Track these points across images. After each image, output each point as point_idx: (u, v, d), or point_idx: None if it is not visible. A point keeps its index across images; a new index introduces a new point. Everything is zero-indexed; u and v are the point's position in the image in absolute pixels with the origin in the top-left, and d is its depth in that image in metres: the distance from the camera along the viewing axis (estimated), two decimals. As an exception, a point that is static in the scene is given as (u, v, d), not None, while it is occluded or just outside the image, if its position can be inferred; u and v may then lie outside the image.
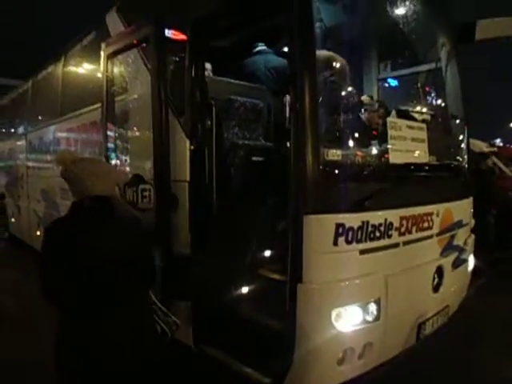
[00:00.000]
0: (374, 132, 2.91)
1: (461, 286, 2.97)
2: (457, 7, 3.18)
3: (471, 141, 3.48)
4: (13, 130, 7.16)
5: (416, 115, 2.94)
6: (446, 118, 3.23)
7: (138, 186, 2.66)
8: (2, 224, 7.59)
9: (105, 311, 1.64)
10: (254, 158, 2.97)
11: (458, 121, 3.23)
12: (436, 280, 2.55)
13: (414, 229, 2.37)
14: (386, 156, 2.39)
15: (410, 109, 3.11)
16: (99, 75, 3.34)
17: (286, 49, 2.84)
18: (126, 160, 3.03)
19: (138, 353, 1.71)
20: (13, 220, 7.10)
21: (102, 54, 3.06)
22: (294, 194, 2.01)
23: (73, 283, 1.61)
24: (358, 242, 2.06)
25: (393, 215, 2.23)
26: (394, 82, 4.10)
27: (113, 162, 3.07)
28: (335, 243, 1.98)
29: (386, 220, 2.18)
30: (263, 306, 2.48)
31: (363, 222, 2.07)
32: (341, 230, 1.99)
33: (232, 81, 3.42)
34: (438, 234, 2.58)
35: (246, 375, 2.26)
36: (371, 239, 2.12)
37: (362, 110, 3.13)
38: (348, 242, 2.02)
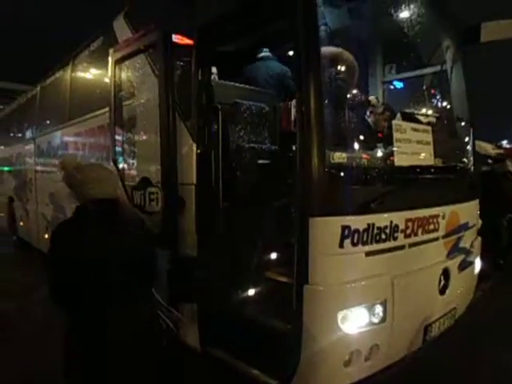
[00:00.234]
0: (380, 135, 2.92)
1: (467, 289, 2.96)
2: (461, 9, 3.19)
3: (477, 142, 3.48)
4: (21, 135, 7.25)
5: (421, 118, 2.95)
6: (452, 120, 3.23)
7: (145, 189, 2.70)
8: None
9: (110, 310, 1.68)
10: (260, 161, 2.99)
11: (463, 123, 3.23)
12: (442, 282, 2.55)
13: (419, 231, 2.37)
14: (392, 158, 2.40)
15: (415, 111, 3.12)
16: (107, 80, 3.40)
17: (290, 53, 2.86)
18: (133, 163, 3.07)
19: (144, 349, 1.75)
20: (21, 223, 7.17)
21: (110, 59, 3.11)
22: (299, 197, 2.02)
23: (79, 284, 1.65)
24: (364, 244, 2.07)
25: (398, 217, 2.23)
26: (399, 85, 4.11)
27: (120, 165, 3.12)
28: (341, 245, 1.99)
29: (391, 222, 2.19)
30: (269, 308, 2.50)
31: (369, 225, 2.08)
32: (346, 232, 2.00)
33: (238, 85, 3.46)
34: (444, 237, 2.58)
35: (253, 377, 2.28)
36: (377, 241, 2.13)
37: (368, 112, 3.14)
38: (354, 244, 2.03)
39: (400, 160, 2.37)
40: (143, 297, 1.86)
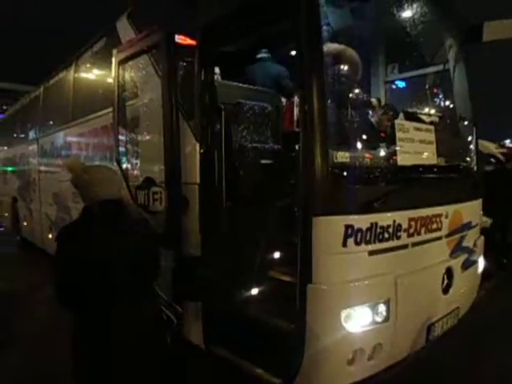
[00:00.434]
0: (383, 134, 2.93)
1: (471, 288, 2.96)
2: (464, 8, 3.19)
3: (480, 142, 3.47)
4: (25, 135, 7.28)
5: (424, 117, 2.95)
6: (455, 120, 3.23)
7: (149, 188, 2.72)
8: None
9: (115, 309, 1.71)
10: (263, 161, 3.00)
11: (466, 122, 3.23)
12: (445, 281, 2.55)
13: (422, 230, 2.37)
14: (394, 158, 2.40)
15: (418, 111, 3.12)
16: (110, 80, 3.41)
17: (292, 53, 2.87)
18: (136, 163, 3.08)
19: (149, 347, 1.79)
20: (25, 223, 7.21)
21: (114, 60, 3.12)
22: (303, 196, 2.03)
23: (85, 285, 1.68)
24: (367, 243, 2.08)
25: (401, 217, 2.24)
26: (401, 84, 4.11)
27: (124, 165, 3.13)
28: (344, 244, 2.00)
29: (394, 221, 2.20)
30: (273, 307, 2.51)
31: (372, 224, 2.09)
32: (350, 231, 2.01)
33: (240, 85, 3.47)
34: (447, 236, 2.58)
35: (256, 376, 2.29)
36: (380, 240, 2.14)
37: (371, 112, 3.14)
38: (357, 243, 2.04)
39: (403, 159, 2.37)
40: (147, 295, 1.90)
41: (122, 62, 3.09)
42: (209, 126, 2.65)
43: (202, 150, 2.59)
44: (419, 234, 2.35)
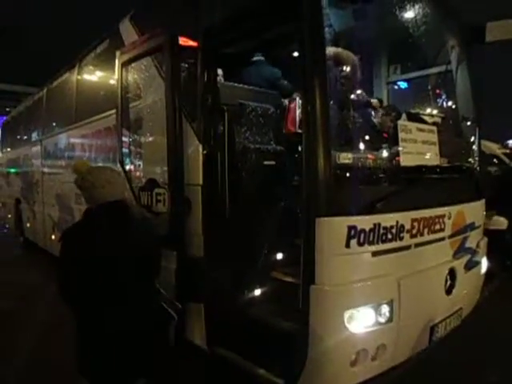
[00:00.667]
0: (385, 135, 2.93)
1: (474, 289, 2.95)
2: (467, 9, 3.19)
3: (483, 142, 3.47)
4: (28, 137, 7.32)
5: (426, 118, 2.95)
6: (457, 120, 3.23)
7: (152, 190, 2.73)
8: None
9: (120, 304, 1.76)
10: (266, 162, 3.01)
11: (468, 122, 3.23)
12: (449, 282, 2.55)
13: (425, 231, 2.37)
14: (397, 159, 2.41)
15: (421, 111, 3.12)
16: (113, 82, 3.43)
17: (294, 54, 2.88)
18: (140, 165, 3.09)
19: (151, 337, 1.86)
20: (28, 225, 7.24)
21: (117, 61, 3.14)
22: (306, 197, 2.04)
23: (89, 283, 1.72)
24: (370, 244, 2.08)
25: (404, 217, 2.24)
26: (403, 85, 4.11)
27: (127, 166, 3.14)
28: (347, 245, 2.01)
29: (397, 222, 2.20)
30: (276, 308, 2.52)
31: (375, 225, 2.09)
32: (353, 232, 2.01)
33: (243, 86, 3.48)
34: (450, 236, 2.58)
35: (259, 376, 2.29)
36: (383, 241, 2.14)
37: (373, 113, 3.15)
38: (360, 244, 2.04)
39: (405, 160, 2.38)
40: (150, 292, 1.96)
41: (125, 64, 3.11)
42: (212, 127, 2.66)
43: (204, 152, 2.60)
44: (422, 234, 2.36)
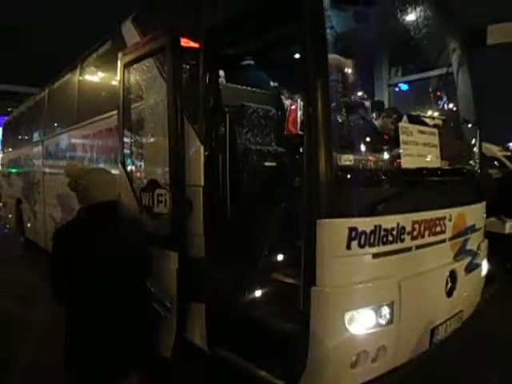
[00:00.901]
0: (386, 137, 2.94)
1: (474, 291, 2.95)
2: (468, 12, 3.20)
3: (484, 145, 3.47)
4: (30, 137, 7.33)
5: (427, 120, 2.96)
6: (458, 123, 3.23)
7: (153, 190, 2.73)
8: None
9: (110, 302, 1.81)
10: (267, 163, 3.02)
11: (470, 125, 3.23)
12: (449, 284, 2.55)
13: (426, 233, 2.38)
14: (398, 161, 2.41)
15: (422, 114, 3.13)
16: (115, 83, 3.44)
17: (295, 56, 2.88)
18: (141, 166, 3.10)
19: (140, 334, 1.91)
20: (29, 225, 7.25)
21: (119, 63, 3.15)
22: (307, 199, 2.04)
23: (81, 280, 1.78)
24: (371, 245, 2.09)
25: (405, 219, 2.24)
26: (405, 87, 4.12)
27: (129, 167, 3.15)
28: (348, 247, 2.01)
29: (398, 224, 2.20)
30: (277, 310, 2.52)
31: (376, 226, 2.10)
32: (354, 233, 2.01)
33: (244, 87, 3.49)
34: (451, 239, 2.59)
35: (260, 378, 2.29)
36: (384, 243, 2.14)
37: (374, 115, 3.15)
38: (361, 246, 2.05)
39: (406, 162, 2.38)
40: (140, 291, 2.01)
41: (127, 65, 3.11)
42: (213, 128, 2.67)
43: (206, 153, 2.61)
44: (423, 236, 2.36)
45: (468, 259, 2.75)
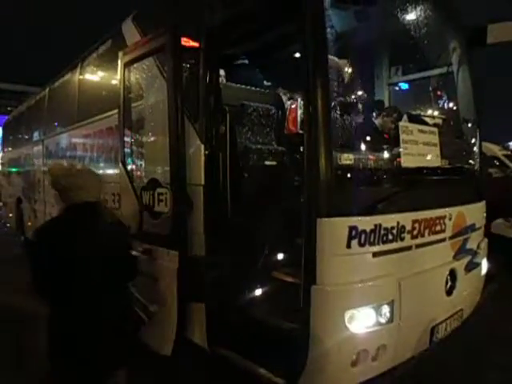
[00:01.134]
0: (386, 136, 2.94)
1: (474, 290, 2.96)
2: (468, 11, 3.20)
3: (484, 144, 3.48)
4: (30, 136, 7.33)
5: (428, 119, 2.96)
6: (458, 122, 3.24)
7: (154, 189, 2.74)
8: None
9: (90, 301, 1.83)
10: (267, 162, 3.02)
11: (469, 124, 3.24)
12: (449, 283, 2.56)
13: (426, 232, 2.38)
14: (398, 160, 2.42)
15: (422, 113, 3.13)
16: (115, 82, 3.44)
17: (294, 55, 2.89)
18: (142, 165, 3.10)
19: (120, 337, 1.92)
20: (29, 224, 7.25)
21: (120, 62, 3.14)
22: (307, 198, 2.05)
23: (60, 279, 1.79)
24: (371, 244, 2.09)
25: (405, 218, 2.25)
26: (405, 86, 4.12)
27: (129, 166, 3.15)
28: (348, 246, 2.01)
29: (398, 223, 2.21)
30: (277, 308, 2.52)
31: (376, 225, 2.10)
32: (354, 232, 2.02)
33: (244, 87, 3.49)
34: (451, 238, 2.59)
35: (260, 376, 2.29)
36: (384, 242, 2.15)
37: (374, 114, 3.16)
38: (361, 245, 2.05)
39: (406, 161, 2.38)
40: (118, 293, 1.98)
41: (127, 64, 3.11)
42: (213, 127, 2.67)
43: (206, 152, 2.61)
44: (423, 235, 2.36)
45: (468, 258, 2.75)
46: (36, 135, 6.88)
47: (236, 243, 2.67)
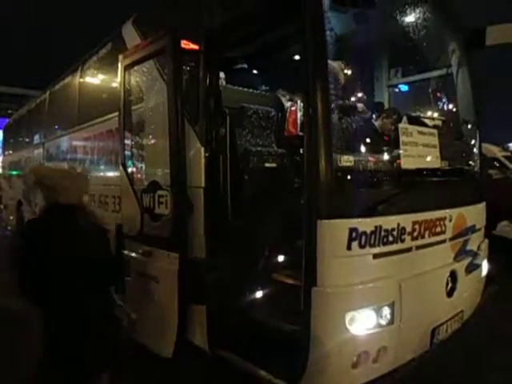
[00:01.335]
0: (386, 138, 2.95)
1: (475, 292, 2.96)
2: (467, 13, 3.21)
3: (483, 145, 3.48)
4: (30, 139, 7.34)
5: (427, 121, 2.97)
6: (458, 123, 3.24)
7: (155, 192, 2.74)
8: None
9: (69, 302, 1.84)
10: (267, 164, 3.03)
11: (469, 125, 3.24)
12: (450, 285, 2.56)
13: (426, 233, 2.38)
14: (398, 162, 2.42)
15: (422, 114, 3.14)
16: (115, 85, 3.45)
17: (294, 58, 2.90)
18: (142, 167, 3.10)
19: (101, 341, 1.92)
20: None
21: (120, 65, 3.15)
22: (307, 199, 2.05)
23: (39, 279, 1.81)
24: (371, 246, 2.09)
25: (405, 220, 2.25)
26: (404, 88, 4.13)
27: (129, 169, 3.16)
28: (349, 247, 2.02)
29: (398, 225, 2.21)
30: (277, 310, 2.52)
31: (376, 227, 2.10)
32: (354, 234, 2.02)
33: (244, 89, 3.50)
34: (451, 239, 2.59)
35: (261, 378, 2.29)
36: (384, 243, 2.15)
37: (374, 116, 3.16)
38: (361, 247, 2.05)
39: (406, 163, 2.39)
40: (96, 296, 1.96)
41: (127, 67, 3.12)
42: (213, 130, 2.68)
43: (207, 154, 2.62)
44: (423, 237, 2.37)
45: (468, 260, 2.75)
46: (37, 138, 6.89)
47: (236, 245, 2.68)
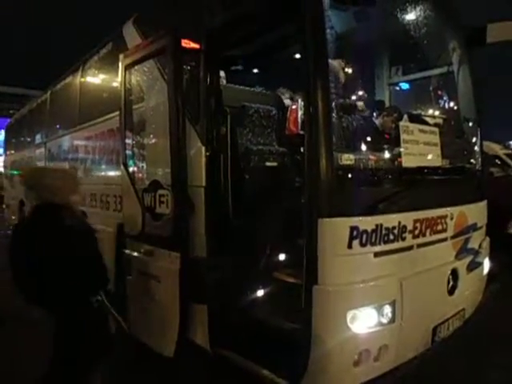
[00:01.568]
0: (387, 136, 2.94)
1: (476, 290, 2.95)
2: (468, 11, 3.20)
3: (485, 143, 3.47)
4: (32, 139, 7.36)
5: (428, 119, 2.96)
6: (459, 121, 3.24)
7: (156, 191, 2.75)
8: None
9: (60, 307, 1.87)
10: (268, 163, 3.03)
11: (470, 123, 3.24)
12: (451, 283, 2.55)
13: (427, 231, 2.38)
14: (399, 160, 2.42)
15: (422, 113, 3.13)
16: (116, 85, 3.45)
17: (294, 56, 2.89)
18: (143, 167, 3.11)
19: (91, 343, 1.93)
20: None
21: (121, 64, 3.16)
22: (308, 198, 2.05)
23: (31, 280, 1.85)
24: (372, 244, 2.09)
25: (406, 218, 2.25)
26: (405, 86, 4.13)
27: (131, 168, 3.16)
28: (350, 246, 2.02)
29: (399, 223, 2.21)
30: (278, 309, 2.53)
31: (377, 225, 2.10)
32: (355, 232, 2.02)
33: (245, 88, 3.50)
34: (453, 237, 2.59)
35: (263, 377, 2.30)
36: (385, 242, 2.15)
37: (375, 114, 3.16)
38: (362, 245, 2.05)
39: (407, 161, 2.38)
40: (82, 299, 1.96)
41: (128, 67, 3.13)
42: (214, 129, 2.68)
43: (207, 153, 2.62)
44: (424, 235, 2.36)
45: (470, 258, 2.75)
46: (38, 138, 6.91)
47: (237, 244, 2.68)
